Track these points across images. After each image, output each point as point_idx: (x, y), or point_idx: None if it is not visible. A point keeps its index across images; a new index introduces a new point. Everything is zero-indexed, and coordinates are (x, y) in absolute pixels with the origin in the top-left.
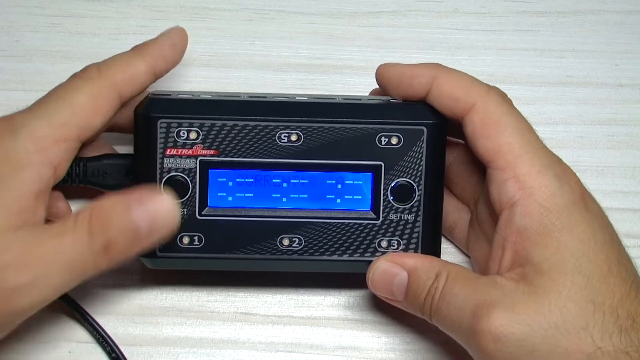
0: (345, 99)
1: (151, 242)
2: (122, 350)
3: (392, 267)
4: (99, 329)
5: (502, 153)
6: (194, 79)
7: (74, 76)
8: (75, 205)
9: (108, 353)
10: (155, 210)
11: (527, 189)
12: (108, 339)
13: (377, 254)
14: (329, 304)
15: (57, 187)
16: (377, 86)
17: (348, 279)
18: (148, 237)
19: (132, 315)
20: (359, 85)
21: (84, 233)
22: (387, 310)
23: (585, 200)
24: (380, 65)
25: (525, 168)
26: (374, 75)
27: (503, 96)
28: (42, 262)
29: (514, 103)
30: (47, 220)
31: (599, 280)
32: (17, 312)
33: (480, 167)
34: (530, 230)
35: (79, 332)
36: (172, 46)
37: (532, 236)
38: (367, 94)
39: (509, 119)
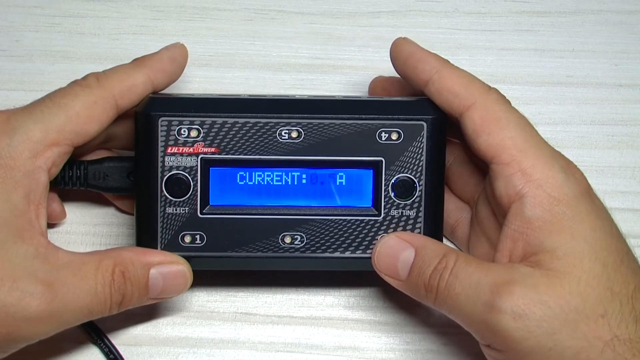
0: (345, 97)
1: (158, 301)
2: (123, 350)
3: (400, 243)
4: (98, 331)
5: (505, 148)
6: (194, 79)
7: (74, 83)
8: (72, 208)
9: (106, 354)
10: (172, 277)
11: (534, 180)
12: (106, 340)
13: None
14: (329, 304)
15: (52, 189)
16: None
17: (348, 278)
18: (157, 297)
19: (132, 315)
20: (359, 85)
21: (106, 286)
22: (387, 310)
23: (590, 193)
24: (399, 38)
25: (530, 161)
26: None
27: (502, 96)
28: (62, 301)
29: (514, 103)
30: None
31: (614, 269)
32: (24, 340)
33: (479, 167)
34: (542, 219)
35: (78, 333)
36: (172, 60)
37: (544, 225)
38: (367, 94)
39: (510, 115)
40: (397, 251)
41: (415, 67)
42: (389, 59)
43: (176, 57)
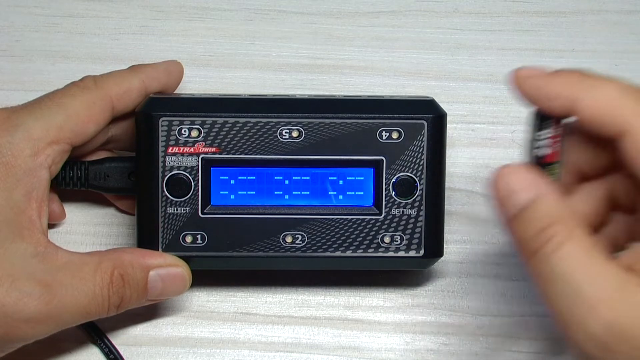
0: (345, 96)
1: (157, 302)
2: (123, 350)
3: (518, 182)
4: (98, 331)
5: None
6: (194, 79)
7: (72, 84)
8: (72, 208)
9: (106, 354)
10: (171, 280)
11: None
12: (106, 340)
13: (380, 250)
14: (329, 304)
15: (52, 189)
16: (377, 88)
17: (348, 278)
18: (156, 298)
19: (132, 315)
20: (359, 85)
21: (104, 288)
22: (387, 310)
23: None
24: (514, 75)
25: None
26: (510, 79)
27: None
28: (60, 302)
29: (513, 103)
30: None
31: None
32: (22, 340)
33: None
34: None
35: (78, 333)
36: (167, 72)
37: None
38: (367, 93)
39: None
40: (509, 193)
41: (549, 106)
42: (388, 58)
43: (172, 70)
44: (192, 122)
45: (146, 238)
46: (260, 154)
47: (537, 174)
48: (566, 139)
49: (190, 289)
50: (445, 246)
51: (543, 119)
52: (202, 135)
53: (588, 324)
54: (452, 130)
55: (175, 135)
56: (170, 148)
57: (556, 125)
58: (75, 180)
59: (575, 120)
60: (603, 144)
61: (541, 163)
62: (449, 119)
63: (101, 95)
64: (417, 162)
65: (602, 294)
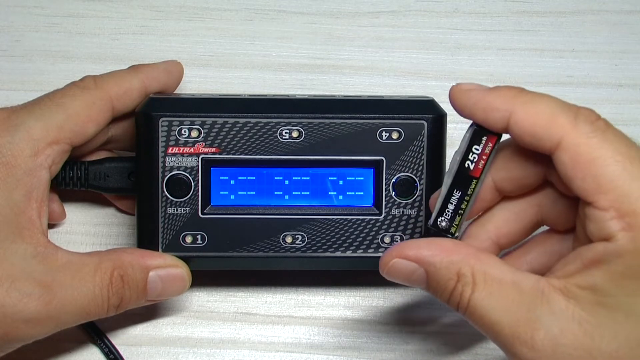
0: (345, 97)
1: (157, 302)
2: (123, 350)
3: (406, 265)
4: (98, 331)
5: (602, 193)
6: (194, 79)
7: (72, 84)
8: (72, 208)
9: (106, 354)
10: (171, 280)
11: (633, 230)
12: (106, 340)
13: (380, 250)
14: (329, 304)
15: (52, 189)
16: (377, 88)
17: (348, 278)
18: (155, 299)
19: (132, 315)
20: (359, 85)
21: (104, 289)
22: (387, 310)
23: None
24: (453, 88)
25: (633, 205)
26: (449, 94)
27: (593, 122)
28: (59, 303)
29: None
30: None
31: None
32: (21, 340)
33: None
34: (624, 274)
35: (78, 333)
36: (167, 72)
37: (622, 280)
38: (367, 93)
39: (604, 152)
40: (406, 274)
41: (486, 118)
42: (388, 58)
43: (172, 70)
44: (192, 123)
45: (146, 238)
46: (260, 154)
47: (415, 244)
48: (494, 158)
49: (190, 289)
50: None
51: (477, 134)
52: (202, 135)
53: (524, 353)
54: (452, 130)
55: (175, 135)
56: (170, 148)
57: (487, 143)
58: (75, 180)
59: (507, 139)
60: (532, 161)
61: (465, 175)
62: (449, 119)
63: (101, 95)
64: (417, 162)
65: (537, 313)
